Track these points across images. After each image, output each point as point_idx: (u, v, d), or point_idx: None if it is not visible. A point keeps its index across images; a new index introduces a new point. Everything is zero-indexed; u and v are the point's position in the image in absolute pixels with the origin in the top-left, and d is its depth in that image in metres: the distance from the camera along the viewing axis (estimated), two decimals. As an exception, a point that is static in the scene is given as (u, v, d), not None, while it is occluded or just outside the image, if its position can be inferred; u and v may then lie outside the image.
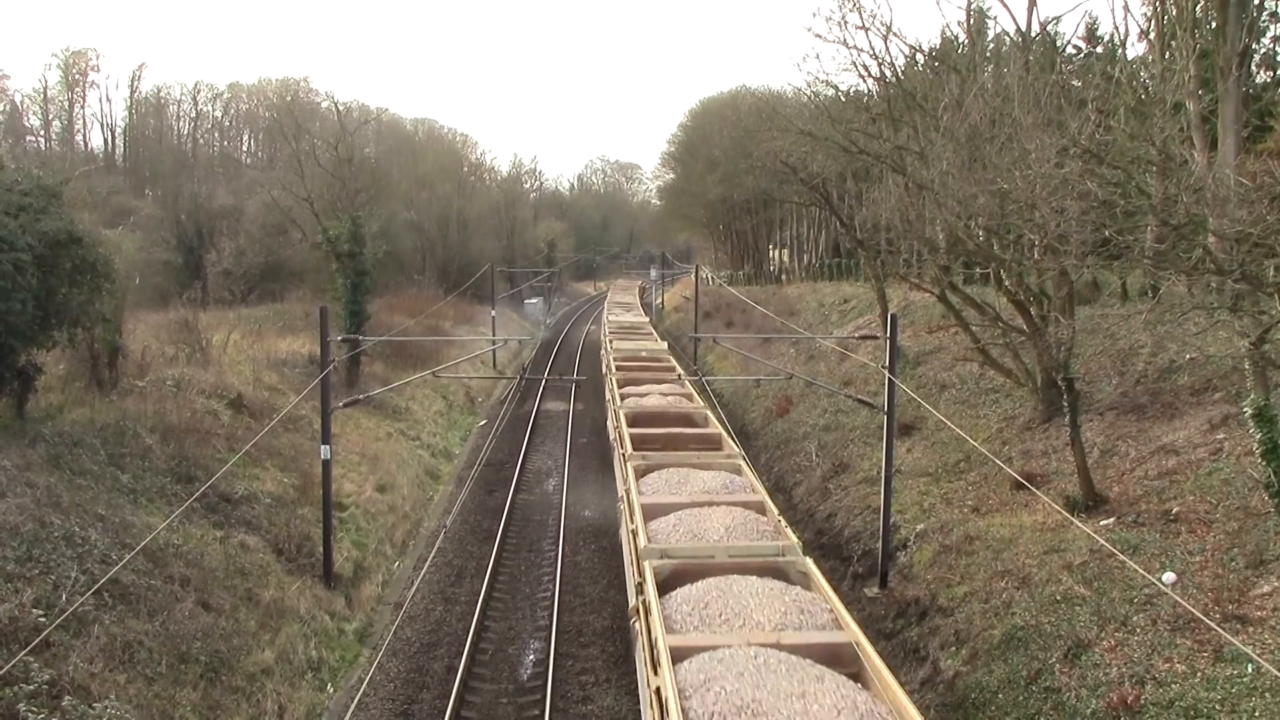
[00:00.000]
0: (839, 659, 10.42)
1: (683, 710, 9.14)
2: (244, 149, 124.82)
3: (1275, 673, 11.93)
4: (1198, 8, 28.52)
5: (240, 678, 16.43)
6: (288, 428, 27.78)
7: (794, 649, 10.39)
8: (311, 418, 28.60)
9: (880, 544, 21.81)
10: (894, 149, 32.81)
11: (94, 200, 39.42)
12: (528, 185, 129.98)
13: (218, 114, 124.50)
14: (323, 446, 22.33)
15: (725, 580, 12.40)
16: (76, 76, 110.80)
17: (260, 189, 56.89)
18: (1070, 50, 40.71)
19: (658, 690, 9.94)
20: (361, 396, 27.57)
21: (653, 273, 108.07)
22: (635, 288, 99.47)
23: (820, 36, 39.15)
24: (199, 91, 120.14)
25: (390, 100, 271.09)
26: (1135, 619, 15.04)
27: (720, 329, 57.82)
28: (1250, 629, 13.69)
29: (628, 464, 18.76)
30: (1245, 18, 27.08)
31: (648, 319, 60.80)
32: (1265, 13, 31.91)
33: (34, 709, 12.56)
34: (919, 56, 37.18)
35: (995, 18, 56.26)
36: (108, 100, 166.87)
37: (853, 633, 10.84)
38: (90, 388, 24.94)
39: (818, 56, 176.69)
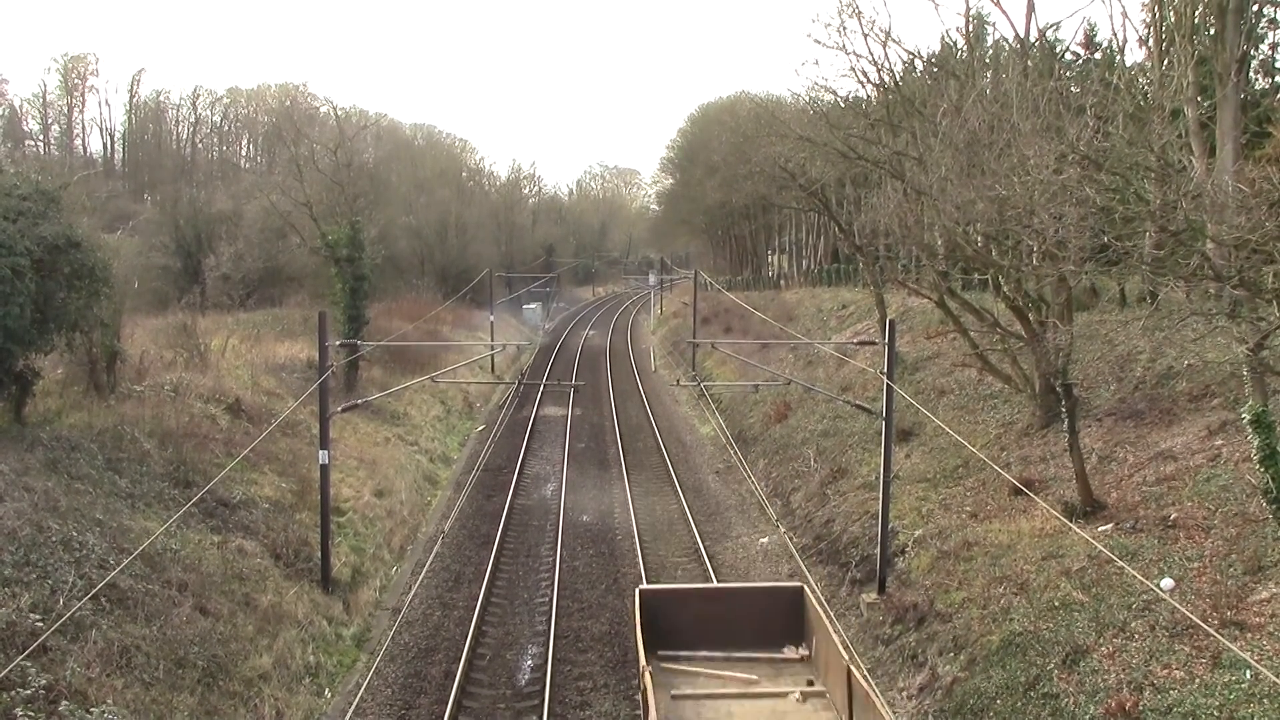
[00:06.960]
0: None
1: None
2: (243, 154, 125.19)
3: (1273, 679, 11.91)
4: (1196, 14, 28.58)
5: (238, 683, 16.41)
6: (286, 433, 27.77)
7: None
8: (310, 423, 28.59)
9: (878, 549, 21.78)
10: (893, 155, 32.83)
11: (93, 205, 39.35)
12: (526, 190, 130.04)
13: (217, 119, 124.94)
14: (321, 451, 22.31)
15: None
16: (76, 81, 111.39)
17: (259, 194, 56.88)
18: (1069, 56, 40.75)
19: None
20: (360, 401, 27.52)
21: (651, 278, 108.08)
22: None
23: (820, 43, 39.41)
24: (198, 96, 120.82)
25: (389, 105, 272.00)
26: (1134, 625, 15.04)
27: (719, 334, 57.75)
28: (1248, 635, 13.69)
29: None
30: (1244, 24, 27.14)
31: None
32: (1263, 19, 32.00)
33: (31, 714, 12.54)
34: (918, 62, 37.22)
35: (994, 24, 56.13)
36: (107, 105, 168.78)
37: None
38: (88, 392, 24.92)
39: (817, 62, 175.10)
